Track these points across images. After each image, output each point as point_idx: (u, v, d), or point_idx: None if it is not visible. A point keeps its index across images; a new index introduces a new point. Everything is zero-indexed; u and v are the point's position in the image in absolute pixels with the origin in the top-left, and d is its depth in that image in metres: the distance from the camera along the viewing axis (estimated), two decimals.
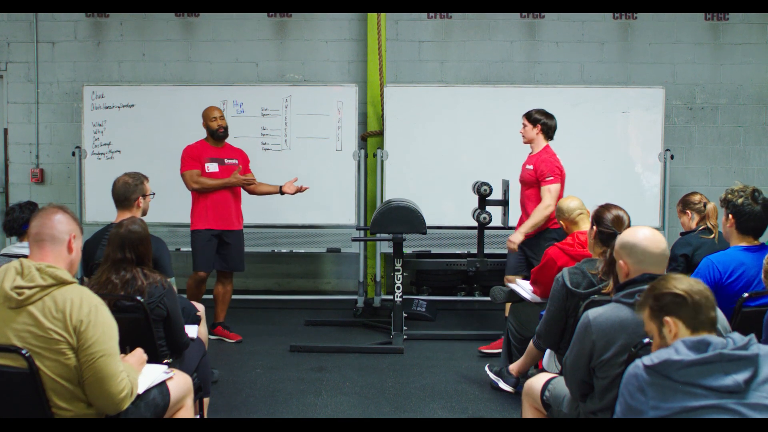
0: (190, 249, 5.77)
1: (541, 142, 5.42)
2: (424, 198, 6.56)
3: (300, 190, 5.81)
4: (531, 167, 5.35)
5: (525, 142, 5.51)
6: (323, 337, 6.01)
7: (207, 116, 5.73)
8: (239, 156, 5.83)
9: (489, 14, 7.40)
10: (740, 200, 3.63)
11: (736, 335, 2.19)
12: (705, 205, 4.62)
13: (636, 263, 2.75)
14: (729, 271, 3.53)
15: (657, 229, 6.82)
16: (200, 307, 4.40)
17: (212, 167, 5.66)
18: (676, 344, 2.15)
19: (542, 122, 5.41)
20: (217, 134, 5.70)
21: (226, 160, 5.73)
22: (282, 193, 5.83)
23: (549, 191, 5.17)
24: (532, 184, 5.34)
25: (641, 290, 2.58)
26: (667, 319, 2.25)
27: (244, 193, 5.86)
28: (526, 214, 5.38)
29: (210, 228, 5.64)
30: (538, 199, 5.26)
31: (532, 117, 5.44)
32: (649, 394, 2.11)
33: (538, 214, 5.18)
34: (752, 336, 2.19)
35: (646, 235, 2.78)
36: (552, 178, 5.20)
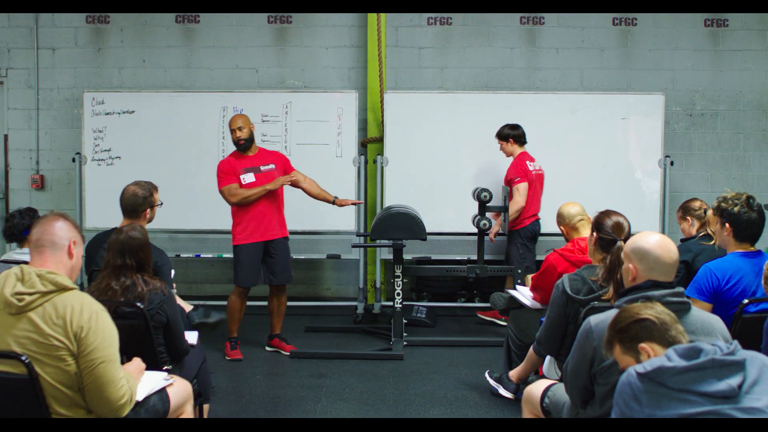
0: (234, 262, 5.65)
1: (516, 151, 6.30)
2: (424, 204, 6.57)
3: (354, 203, 6.02)
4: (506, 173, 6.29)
5: (507, 156, 6.34)
6: (323, 344, 6.01)
7: (229, 128, 5.58)
8: (276, 160, 5.66)
9: (489, 20, 7.42)
10: (736, 209, 3.63)
11: (721, 342, 2.21)
12: (705, 212, 4.61)
13: (646, 269, 2.72)
14: (727, 277, 3.53)
15: None
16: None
17: (248, 178, 5.47)
18: (668, 352, 2.16)
19: (511, 135, 6.29)
20: (237, 146, 5.52)
21: (262, 168, 5.53)
22: (334, 203, 5.77)
23: (518, 190, 6.12)
24: (509, 182, 6.24)
25: (644, 296, 2.59)
26: (642, 345, 2.27)
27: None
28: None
29: (255, 241, 5.51)
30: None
31: (502, 135, 6.32)
32: (644, 402, 2.11)
33: (511, 209, 6.11)
34: (736, 342, 2.21)
35: (660, 242, 2.75)
36: (519, 178, 6.13)
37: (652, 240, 2.76)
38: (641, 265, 2.74)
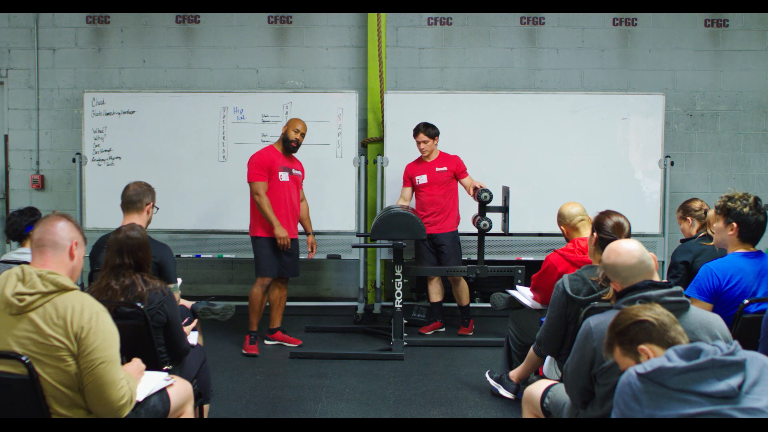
0: (255, 254, 5.79)
1: (437, 149, 6.29)
2: None
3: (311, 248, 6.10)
4: (444, 168, 6.22)
5: (426, 155, 6.24)
6: (323, 344, 6.01)
7: (291, 125, 5.77)
8: (301, 168, 5.94)
9: (489, 20, 7.42)
10: (746, 209, 3.60)
11: (721, 342, 2.21)
12: (706, 213, 4.60)
13: (624, 281, 2.79)
14: (728, 278, 3.52)
15: (657, 236, 6.86)
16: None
17: (284, 176, 5.73)
18: (668, 353, 2.17)
19: (438, 133, 6.24)
20: (289, 146, 5.76)
21: (293, 171, 5.81)
22: (307, 236, 6.06)
23: (473, 179, 6.19)
24: (448, 181, 6.22)
25: (642, 296, 2.59)
26: (642, 347, 2.27)
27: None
28: (446, 210, 6.23)
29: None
30: (455, 194, 6.28)
31: (431, 133, 6.20)
32: (644, 403, 2.11)
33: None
34: (736, 342, 2.21)
35: (618, 251, 2.82)
36: (467, 172, 6.28)
37: (612, 253, 2.84)
38: (618, 279, 2.82)
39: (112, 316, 2.66)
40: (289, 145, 5.76)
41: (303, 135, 5.82)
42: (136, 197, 4.27)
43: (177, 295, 4.19)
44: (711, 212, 4.43)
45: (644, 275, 2.75)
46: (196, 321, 4.17)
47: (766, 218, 3.65)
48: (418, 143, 6.21)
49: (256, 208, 5.70)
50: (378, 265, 7.15)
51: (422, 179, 6.24)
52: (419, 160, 6.31)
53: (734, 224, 3.62)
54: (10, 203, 7.56)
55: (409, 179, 6.33)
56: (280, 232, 5.61)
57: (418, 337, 6.14)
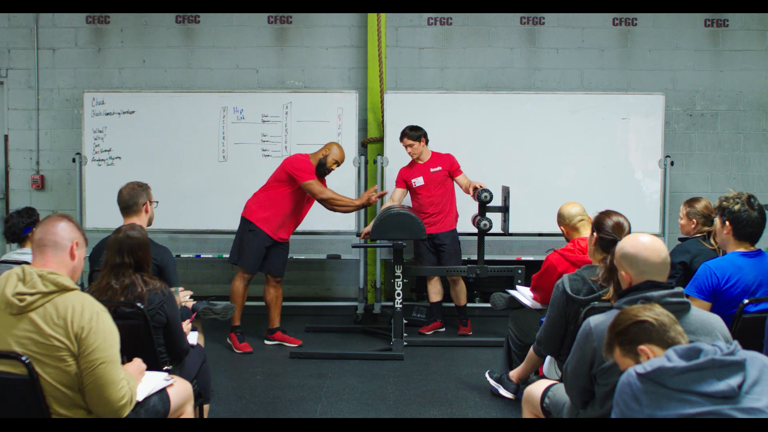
0: (241, 242, 5.79)
1: (427, 150, 6.24)
2: None
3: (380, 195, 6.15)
4: (439, 168, 6.18)
5: (416, 158, 6.22)
6: (323, 344, 6.01)
7: (338, 157, 5.82)
8: None
9: (489, 20, 7.43)
10: (737, 207, 3.62)
11: (721, 342, 2.21)
12: (712, 221, 4.51)
13: (638, 273, 2.72)
14: (727, 276, 3.53)
15: (657, 235, 6.84)
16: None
17: None
18: (668, 353, 2.17)
19: (424, 134, 6.18)
20: (323, 172, 5.81)
21: None
22: (369, 204, 6.04)
23: (467, 178, 6.16)
24: (444, 181, 6.19)
25: (643, 297, 2.59)
26: (642, 347, 2.27)
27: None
28: (445, 210, 6.22)
29: (271, 235, 5.75)
30: (452, 192, 6.27)
31: (415, 135, 6.15)
32: (644, 403, 2.11)
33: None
34: (736, 342, 2.21)
35: (646, 244, 2.75)
36: (461, 169, 6.22)
37: (639, 244, 2.76)
38: (633, 270, 2.74)
39: (112, 316, 2.66)
40: (323, 171, 5.81)
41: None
42: (131, 200, 4.26)
43: (178, 298, 4.19)
44: (718, 222, 4.25)
45: (658, 276, 2.72)
46: (194, 316, 4.17)
47: (763, 215, 3.65)
48: (405, 148, 6.20)
49: (262, 198, 5.75)
50: (378, 265, 7.16)
51: (419, 181, 6.22)
52: (412, 163, 6.29)
53: (728, 222, 3.63)
54: (10, 203, 7.56)
55: (403, 182, 6.30)
56: (360, 202, 5.85)
57: (418, 337, 6.14)
